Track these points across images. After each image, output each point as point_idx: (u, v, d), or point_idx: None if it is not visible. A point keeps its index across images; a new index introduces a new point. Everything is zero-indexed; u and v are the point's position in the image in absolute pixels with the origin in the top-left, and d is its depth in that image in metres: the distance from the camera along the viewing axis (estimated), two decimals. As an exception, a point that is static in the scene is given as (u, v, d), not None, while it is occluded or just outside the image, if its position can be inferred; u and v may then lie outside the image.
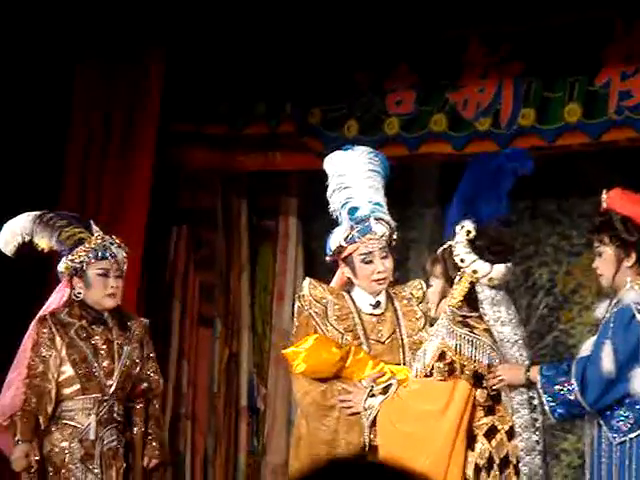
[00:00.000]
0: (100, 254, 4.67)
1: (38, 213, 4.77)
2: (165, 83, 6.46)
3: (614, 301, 4.04)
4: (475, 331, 3.98)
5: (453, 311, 4.01)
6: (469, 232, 4.03)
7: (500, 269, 4.01)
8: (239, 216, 6.84)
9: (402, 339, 4.31)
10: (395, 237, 4.37)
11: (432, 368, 4.00)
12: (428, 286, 4.28)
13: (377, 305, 4.34)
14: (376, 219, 4.31)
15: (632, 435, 3.97)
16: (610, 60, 5.98)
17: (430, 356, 4.01)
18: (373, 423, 4.07)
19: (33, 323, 4.70)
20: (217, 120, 6.68)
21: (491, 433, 3.98)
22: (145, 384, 4.77)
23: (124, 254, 4.75)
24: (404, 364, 4.24)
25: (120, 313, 4.79)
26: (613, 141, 6.02)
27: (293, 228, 6.86)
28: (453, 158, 6.36)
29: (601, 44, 6.00)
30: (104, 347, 4.67)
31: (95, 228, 4.75)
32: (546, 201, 6.63)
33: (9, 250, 4.77)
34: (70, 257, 4.66)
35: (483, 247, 4.01)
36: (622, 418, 3.98)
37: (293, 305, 6.91)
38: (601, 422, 4.04)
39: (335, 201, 4.42)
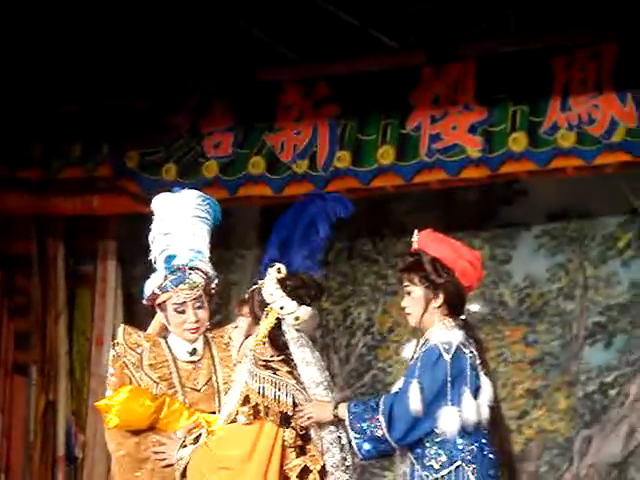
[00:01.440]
0: None
1: None
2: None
3: (422, 341, 4.14)
4: (278, 373, 4.01)
5: (255, 355, 4.04)
6: (280, 270, 4.07)
7: (307, 310, 4.05)
8: (55, 260, 6.72)
9: (218, 386, 4.29)
10: (214, 286, 4.33)
11: (237, 413, 4.01)
12: (235, 327, 4.30)
13: (193, 352, 4.30)
14: (191, 268, 4.29)
15: (443, 472, 4.03)
16: (419, 104, 6.16)
17: (234, 401, 4.02)
18: (184, 474, 4.05)
19: None
20: (30, 163, 6.57)
21: (304, 474, 4.00)
22: None
23: None
24: (220, 412, 4.22)
25: None
26: (425, 182, 6.19)
27: (112, 271, 6.79)
28: (272, 200, 6.42)
29: (411, 89, 6.17)
30: None
31: None
32: (362, 241, 6.76)
33: None
34: None
35: (292, 287, 4.06)
36: (434, 456, 4.05)
37: (112, 350, 6.76)
38: (413, 460, 4.10)
39: (155, 247, 4.37)
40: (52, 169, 6.56)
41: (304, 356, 4.03)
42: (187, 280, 4.24)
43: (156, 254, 4.32)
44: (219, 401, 4.24)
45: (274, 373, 4.01)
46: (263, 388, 3.98)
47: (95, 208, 6.60)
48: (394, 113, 6.22)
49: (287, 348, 4.05)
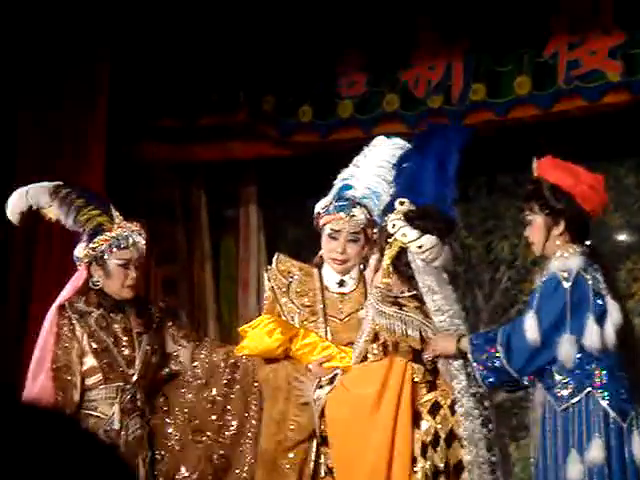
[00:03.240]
0: (122, 244, 4.48)
1: (53, 185, 4.55)
2: (115, 80, 6.45)
3: (544, 270, 4.06)
4: (404, 309, 4.00)
5: (381, 291, 4.03)
6: (402, 202, 4.06)
7: (430, 239, 4.01)
8: (199, 207, 6.84)
9: None
10: (376, 232, 4.30)
11: (367, 351, 4.02)
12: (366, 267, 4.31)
13: (341, 284, 4.35)
14: (360, 205, 4.31)
15: (574, 400, 3.97)
16: (556, 31, 5.98)
17: (364, 339, 4.03)
18: (322, 414, 4.09)
19: (51, 313, 4.50)
20: (171, 113, 6.69)
21: (435, 409, 4.00)
22: (166, 370, 4.65)
23: (144, 242, 4.56)
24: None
25: (137, 300, 4.64)
26: (564, 111, 6.03)
27: (254, 216, 6.87)
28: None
29: (547, 15, 6.00)
30: (124, 336, 4.54)
31: (115, 213, 4.55)
32: (502, 175, 6.64)
33: (15, 219, 4.57)
34: (91, 245, 4.49)
35: (416, 217, 4.03)
36: (563, 385, 3.99)
37: (258, 293, 6.89)
38: (545, 391, 4.05)
39: (342, 173, 4.43)
40: (191, 117, 6.66)
41: (429, 284, 3.99)
42: (349, 211, 4.29)
43: (338, 179, 4.37)
44: None
45: (400, 309, 4.00)
46: (391, 324, 3.98)
47: (235, 153, 6.68)
48: (530, 42, 6.07)
49: (414, 279, 4.04)
